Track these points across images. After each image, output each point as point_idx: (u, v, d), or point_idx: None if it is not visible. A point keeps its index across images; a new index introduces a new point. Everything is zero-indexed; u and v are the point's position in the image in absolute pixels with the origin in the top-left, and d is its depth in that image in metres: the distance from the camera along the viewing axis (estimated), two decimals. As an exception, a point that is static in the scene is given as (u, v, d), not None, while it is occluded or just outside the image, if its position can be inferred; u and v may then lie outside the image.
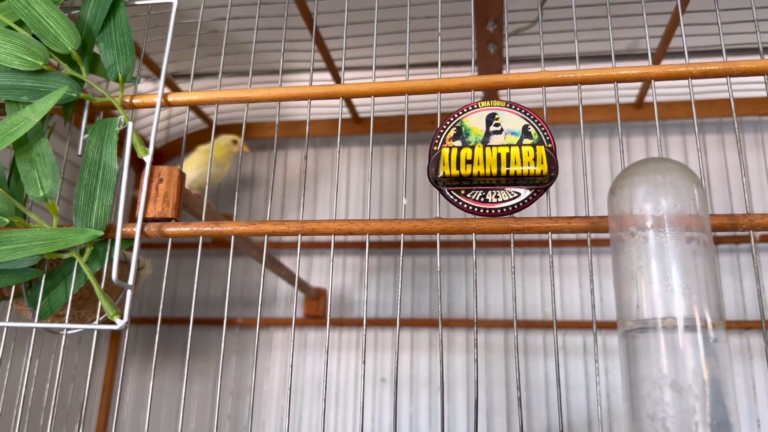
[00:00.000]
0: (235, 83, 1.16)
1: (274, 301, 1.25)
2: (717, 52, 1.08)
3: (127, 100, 0.61)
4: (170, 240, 0.58)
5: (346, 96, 0.59)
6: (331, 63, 1.01)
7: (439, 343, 0.50)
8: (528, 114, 0.52)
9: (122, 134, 0.58)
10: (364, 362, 0.47)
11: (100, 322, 0.56)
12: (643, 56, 1.13)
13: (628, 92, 1.12)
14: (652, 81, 0.53)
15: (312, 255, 1.26)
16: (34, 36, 0.59)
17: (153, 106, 0.60)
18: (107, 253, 0.57)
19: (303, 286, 1.12)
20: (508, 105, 0.53)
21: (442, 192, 0.51)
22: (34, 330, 0.59)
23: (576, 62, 0.57)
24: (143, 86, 1.19)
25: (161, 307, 0.56)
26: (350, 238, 1.24)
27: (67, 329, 0.57)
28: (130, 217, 0.90)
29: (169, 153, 1.31)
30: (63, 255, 0.56)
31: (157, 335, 0.56)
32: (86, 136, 0.59)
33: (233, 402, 1.19)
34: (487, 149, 0.50)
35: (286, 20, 0.67)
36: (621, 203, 0.43)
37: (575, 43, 0.57)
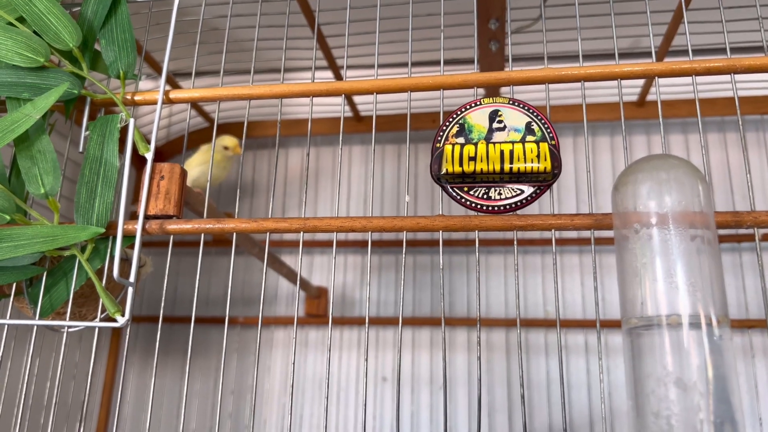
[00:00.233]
0: (236, 81, 1.16)
1: (275, 300, 1.25)
2: (719, 51, 1.07)
3: (129, 96, 0.61)
4: (171, 237, 0.57)
5: (348, 93, 0.58)
6: (332, 61, 1.01)
7: (442, 342, 0.50)
8: (531, 111, 0.52)
9: (123, 131, 0.57)
10: (366, 361, 0.47)
11: (101, 320, 0.56)
12: (645, 54, 1.13)
13: (630, 90, 1.11)
14: (656, 78, 0.53)
15: (313, 253, 1.26)
16: (35, 32, 0.59)
17: (155, 102, 0.60)
18: (108, 251, 0.57)
19: (304, 284, 1.11)
20: (511, 102, 0.53)
21: (445, 189, 0.51)
22: (35, 328, 0.59)
23: (579, 60, 0.56)
24: (144, 84, 1.18)
25: (162, 305, 0.56)
26: (351, 237, 1.24)
27: (68, 327, 0.57)
28: (132, 215, 0.90)
29: (169, 151, 1.31)
30: (64, 252, 0.56)
31: (159, 333, 0.56)
32: (87, 133, 0.59)
33: (234, 401, 1.18)
34: (490, 146, 0.50)
35: (288, 18, 0.66)
36: (625, 200, 0.43)
37: (578, 40, 0.57)
